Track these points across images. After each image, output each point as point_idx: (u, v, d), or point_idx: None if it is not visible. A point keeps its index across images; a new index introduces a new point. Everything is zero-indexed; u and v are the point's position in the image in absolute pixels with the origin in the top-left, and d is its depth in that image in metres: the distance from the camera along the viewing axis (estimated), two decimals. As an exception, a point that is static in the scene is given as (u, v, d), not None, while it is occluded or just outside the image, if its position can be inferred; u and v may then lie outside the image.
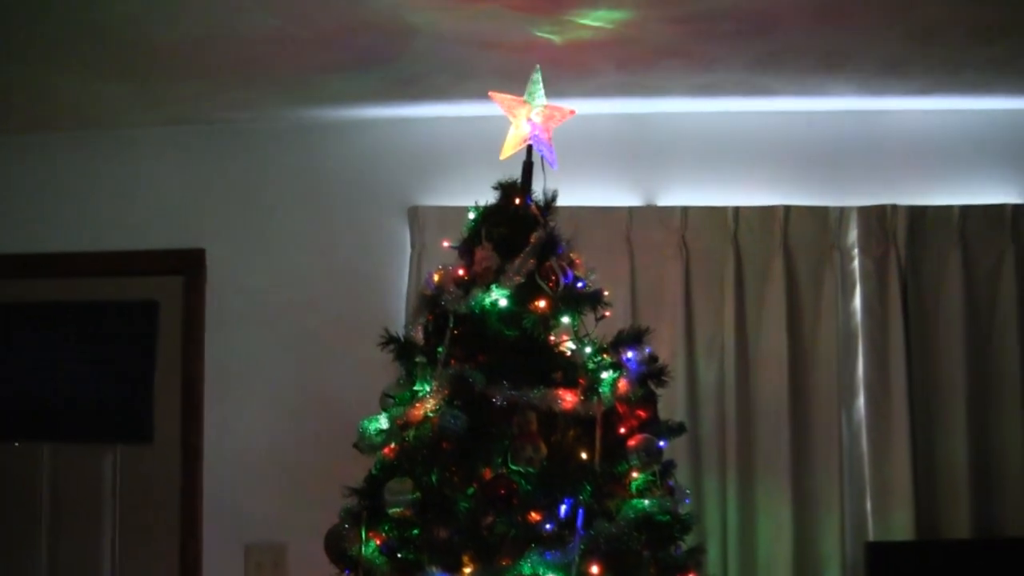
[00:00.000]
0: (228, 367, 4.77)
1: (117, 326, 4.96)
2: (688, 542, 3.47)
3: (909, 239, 4.63)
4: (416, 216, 4.69)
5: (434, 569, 3.19)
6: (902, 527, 4.50)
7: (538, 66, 3.59)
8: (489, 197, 3.79)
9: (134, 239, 4.85)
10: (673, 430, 3.62)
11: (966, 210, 4.64)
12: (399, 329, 4.14)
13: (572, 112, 3.63)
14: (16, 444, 4.92)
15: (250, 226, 4.86)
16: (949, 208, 4.64)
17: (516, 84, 3.83)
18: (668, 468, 3.49)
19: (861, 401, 4.64)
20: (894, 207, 4.63)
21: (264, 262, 4.83)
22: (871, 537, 4.53)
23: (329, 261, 4.82)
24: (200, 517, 4.72)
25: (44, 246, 4.87)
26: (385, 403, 3.57)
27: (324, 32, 3.77)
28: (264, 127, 4.85)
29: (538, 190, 3.60)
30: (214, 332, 4.79)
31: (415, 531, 3.29)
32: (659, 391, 3.59)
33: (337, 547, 3.40)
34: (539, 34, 3.78)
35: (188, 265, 4.82)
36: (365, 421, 3.52)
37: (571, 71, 4.10)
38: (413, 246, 4.69)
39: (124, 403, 4.91)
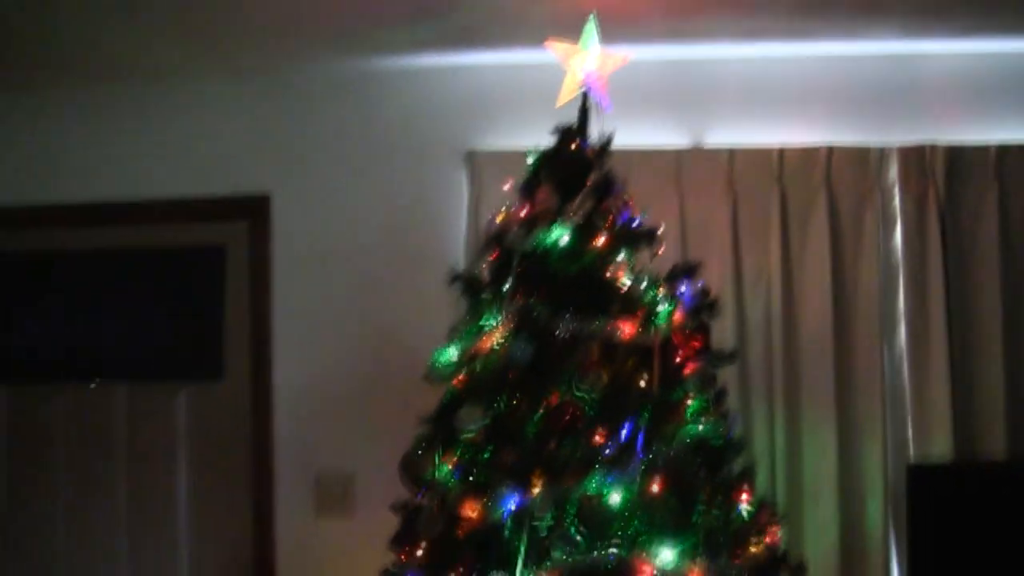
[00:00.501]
0: (294, 307, 4.89)
1: (186, 271, 5.09)
2: (739, 464, 3.62)
3: (947, 177, 4.68)
4: (473, 160, 4.77)
5: (505, 489, 3.32)
6: (941, 450, 4.59)
7: (592, 14, 3.70)
8: (544, 141, 3.90)
9: (200, 187, 4.95)
10: (725, 359, 3.76)
11: (1003, 149, 4.67)
12: (459, 268, 4.32)
13: (626, 59, 3.73)
14: (93, 384, 5.05)
15: (312, 173, 4.94)
16: (986, 147, 4.67)
17: (567, 32, 3.92)
18: (720, 395, 3.65)
19: (902, 332, 4.72)
20: (933, 147, 4.67)
21: (326, 207, 4.93)
22: (912, 460, 4.62)
23: (389, 204, 4.90)
24: (271, 449, 4.87)
25: (115, 195, 4.98)
26: (454, 337, 3.71)
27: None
28: (323, 78, 4.93)
29: (593, 134, 3.72)
30: (280, 274, 4.91)
31: (486, 454, 3.43)
32: (711, 322, 3.71)
33: (412, 471, 3.56)
34: (588, -20, 3.90)
35: (253, 211, 4.92)
36: (435, 353, 3.66)
37: (621, 18, 4.08)
38: (471, 189, 4.78)
39: (195, 343, 5.06)
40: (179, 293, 5.13)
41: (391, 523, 3.98)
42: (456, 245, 4.81)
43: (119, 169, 5.02)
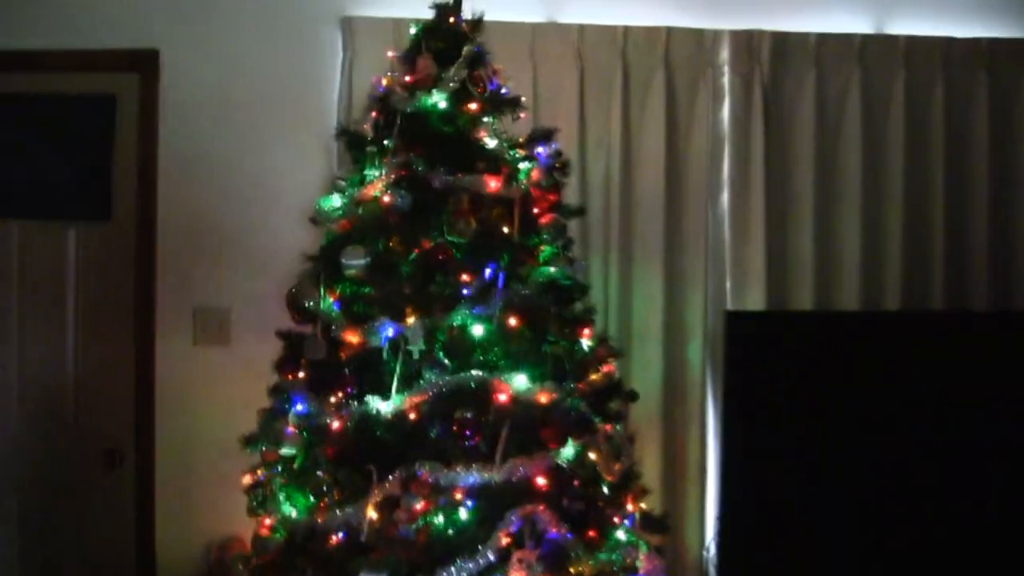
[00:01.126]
0: (180, 153, 4.99)
1: (79, 118, 5.11)
2: (582, 305, 3.99)
3: (772, 60, 5.00)
4: (349, 25, 4.91)
5: (382, 320, 3.65)
6: (756, 302, 4.98)
7: None
8: (416, 11, 4.18)
9: (94, 40, 4.97)
10: (574, 212, 4.13)
11: (821, 37, 5.02)
12: (331, 122, 4.76)
13: None
14: None
15: (199, 30, 5.01)
16: (807, 35, 5.01)
17: None
18: (568, 243, 3.99)
19: (725, 196, 5.08)
20: (760, 32, 4.99)
21: (212, 62, 5.02)
22: (729, 308, 5.00)
23: (271, 62, 5.02)
24: (153, 284, 5.01)
25: (12, 44, 4.96)
26: (338, 185, 4.01)
27: None
28: None
29: (466, 10, 4.01)
30: (167, 123, 4.99)
31: (366, 289, 3.75)
32: (563, 181, 4.09)
33: (298, 303, 3.85)
34: None
35: (143, 63, 4.97)
36: (321, 199, 3.96)
37: None
38: (345, 51, 4.94)
39: (85, 185, 5.11)
40: (71, 138, 5.14)
41: (263, 352, 4.31)
42: (330, 103, 5.00)
43: (17, 19, 5.01)
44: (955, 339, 4.80)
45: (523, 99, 4.05)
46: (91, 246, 5.12)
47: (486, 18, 4.09)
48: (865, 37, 5.09)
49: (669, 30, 5.00)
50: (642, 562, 3.79)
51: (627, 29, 4.99)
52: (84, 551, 5.10)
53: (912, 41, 5.09)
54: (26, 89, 5.10)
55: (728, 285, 5.10)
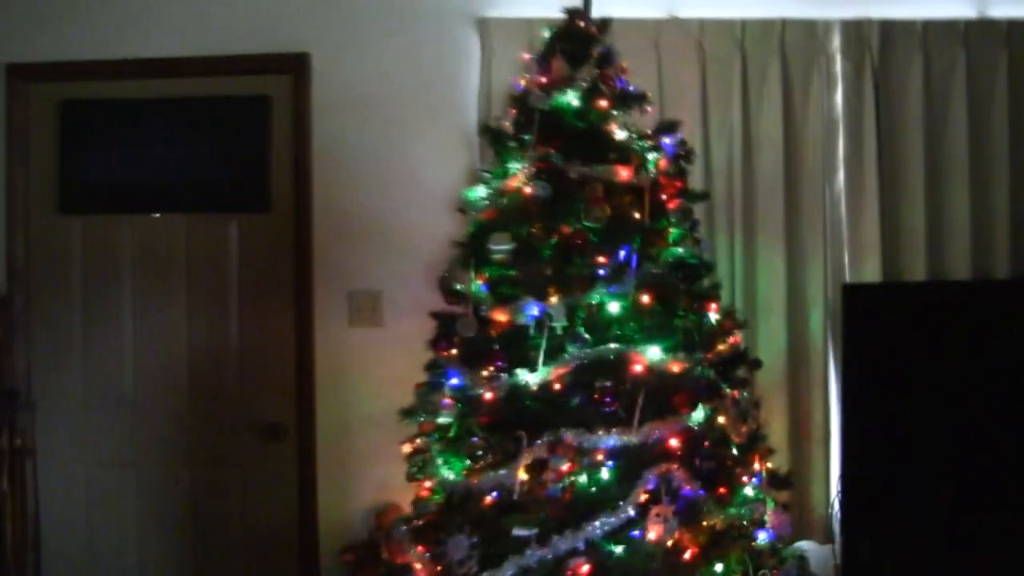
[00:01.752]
0: (331, 148, 5.30)
1: (238, 117, 5.41)
2: (709, 281, 4.19)
3: (881, 47, 5.15)
4: (485, 26, 5.16)
5: (528, 300, 3.85)
6: (872, 273, 5.14)
7: None
8: (544, 11, 4.51)
9: (250, 45, 5.30)
10: (698, 196, 4.35)
11: (927, 24, 5.15)
12: (470, 118, 5.10)
13: None
14: (158, 215, 5.44)
15: (347, 33, 5.30)
16: (913, 22, 5.15)
17: None
18: (694, 225, 4.21)
19: (841, 175, 5.24)
20: (869, 21, 5.15)
21: (359, 63, 5.30)
22: (847, 280, 5.17)
23: (413, 62, 5.30)
24: (310, 270, 5.31)
25: (172, 50, 5.32)
26: (482, 178, 4.26)
27: None
28: None
29: (595, 13, 4.21)
30: (318, 121, 5.30)
31: (512, 272, 3.95)
32: (687, 168, 4.27)
33: (449, 285, 4.09)
34: None
35: (295, 65, 5.29)
36: (467, 190, 4.23)
37: None
38: (483, 50, 5.18)
39: (246, 180, 5.41)
40: (232, 137, 5.42)
41: (413, 331, 4.66)
42: (468, 99, 5.25)
43: (175, 28, 5.34)
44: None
45: (649, 94, 4.27)
46: (252, 236, 5.45)
47: (611, 15, 4.28)
48: (968, 22, 5.19)
49: (783, 22, 5.18)
50: (769, 517, 4.05)
51: (744, 22, 5.18)
52: (251, 519, 5.46)
53: (1013, 24, 5.18)
54: (190, 92, 5.44)
55: (846, 259, 5.25)
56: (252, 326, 5.45)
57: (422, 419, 4.20)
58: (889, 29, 5.19)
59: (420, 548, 4.01)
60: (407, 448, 4.30)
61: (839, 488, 4.99)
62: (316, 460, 5.36)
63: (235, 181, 5.48)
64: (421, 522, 4.14)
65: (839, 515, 4.97)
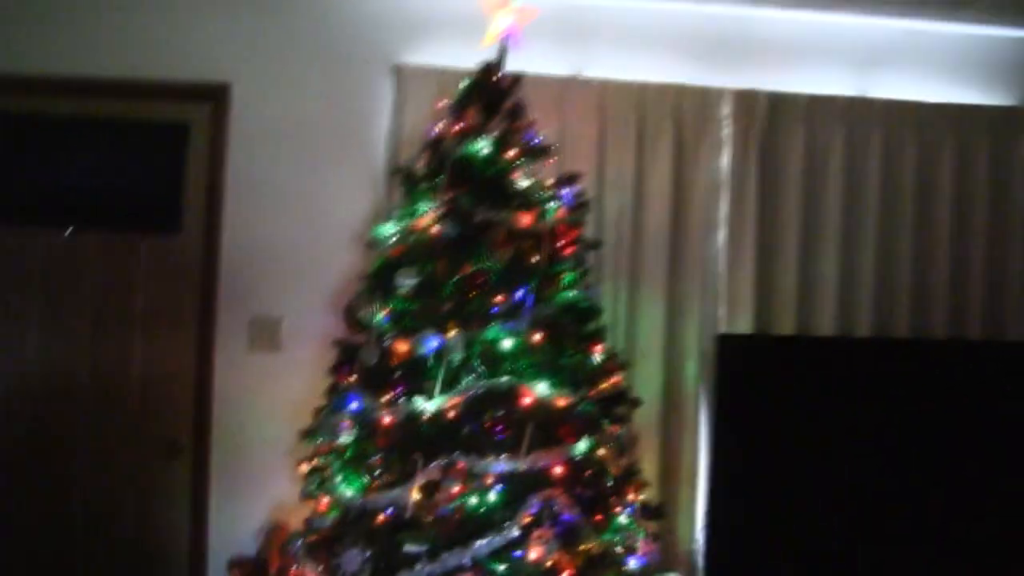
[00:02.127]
0: (245, 178, 5.37)
1: (158, 141, 5.47)
2: (595, 324, 4.41)
3: (768, 116, 5.44)
4: (400, 72, 5.32)
5: (428, 332, 4.08)
6: (745, 325, 5.38)
7: None
8: (461, 59, 4.74)
9: (173, 72, 5.37)
10: (592, 245, 4.59)
11: (811, 98, 5.47)
12: (380, 158, 5.28)
13: (535, 12, 4.46)
14: (68, 231, 5.42)
15: (267, 68, 5.41)
16: (799, 95, 5.46)
17: None
18: (586, 272, 4.44)
19: (722, 232, 5.47)
20: (758, 91, 5.43)
21: (278, 98, 5.40)
22: (721, 331, 5.40)
23: (330, 102, 5.42)
24: (215, 293, 5.38)
25: (97, 71, 5.31)
26: (392, 216, 4.46)
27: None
28: None
29: (508, 69, 4.44)
30: (235, 150, 5.37)
31: (414, 306, 4.17)
32: (583, 218, 4.46)
33: (353, 316, 4.32)
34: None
35: (215, 95, 5.37)
36: (376, 227, 4.44)
37: None
38: (397, 95, 5.34)
39: (160, 202, 5.46)
40: (149, 160, 5.50)
41: (311, 358, 5.02)
42: (379, 139, 5.43)
43: (102, 50, 5.36)
44: (917, 362, 5.29)
45: (553, 147, 4.54)
46: (161, 257, 5.50)
47: (521, 72, 4.49)
48: (849, 99, 5.52)
49: (680, 87, 5.42)
50: (641, 545, 4.32)
51: (643, 85, 5.42)
52: (143, 532, 5.53)
53: (889, 104, 5.54)
54: (111, 114, 5.52)
55: (721, 310, 5.50)
56: (155, 344, 5.49)
57: (320, 440, 4.41)
58: (776, 101, 5.47)
59: (316, 562, 4.23)
60: (305, 467, 4.50)
61: (704, 525, 5.27)
62: (209, 478, 5.45)
63: (149, 203, 5.56)
64: (316, 537, 4.34)
65: (702, 550, 5.26)
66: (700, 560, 5.28)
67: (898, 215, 5.55)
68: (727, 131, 5.50)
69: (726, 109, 5.49)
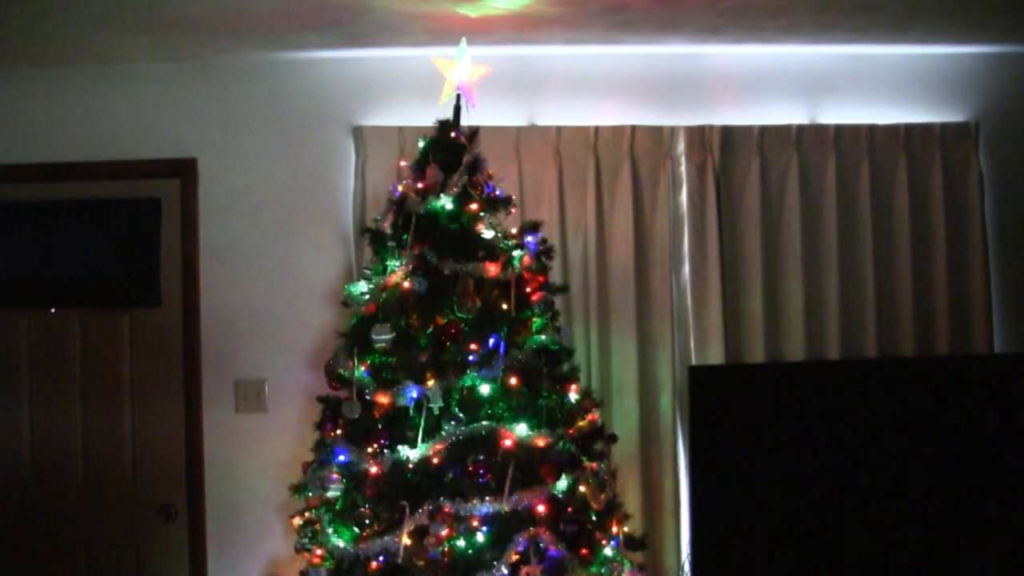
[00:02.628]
0: (218, 247, 5.53)
1: (129, 218, 5.63)
2: (569, 365, 4.50)
3: (722, 150, 5.53)
4: (360, 134, 5.45)
5: (407, 383, 4.19)
6: (716, 356, 5.47)
7: (464, 38, 4.58)
8: (416, 118, 4.97)
9: (140, 151, 5.54)
10: (558, 289, 4.64)
11: (763, 129, 5.56)
12: (347, 218, 5.37)
13: (489, 69, 4.60)
14: (52, 311, 5.63)
15: (231, 140, 5.57)
16: (751, 127, 5.55)
17: (437, 38, 5.01)
18: (555, 315, 4.50)
19: (686, 268, 5.56)
20: (711, 126, 5.52)
21: (243, 167, 5.56)
22: (692, 363, 5.47)
23: (292, 166, 5.57)
24: (199, 360, 5.52)
25: (69, 156, 5.52)
26: (364, 274, 4.57)
27: (305, 8, 4.71)
28: (240, 64, 5.55)
29: (464, 124, 4.55)
30: (205, 220, 5.53)
31: (392, 359, 4.29)
32: (548, 263, 4.57)
33: (334, 372, 4.39)
34: (460, 11, 4.76)
35: (183, 170, 5.54)
36: (349, 286, 4.53)
37: (479, 31, 4.97)
38: (357, 156, 5.48)
39: (138, 276, 5.59)
40: (123, 237, 5.63)
41: (295, 416, 5.20)
42: (345, 200, 5.56)
43: (73, 135, 5.57)
44: (887, 382, 5.40)
45: (513, 197, 4.63)
46: (143, 329, 5.69)
47: (477, 122, 4.62)
48: (801, 127, 5.64)
49: (633, 128, 5.55)
50: None
51: (597, 128, 5.54)
52: None
53: (841, 129, 5.65)
54: (83, 195, 5.69)
55: (692, 343, 5.58)
56: (144, 413, 5.65)
57: (311, 494, 4.51)
58: (729, 134, 5.59)
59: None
60: (297, 521, 4.61)
61: (689, 552, 5.36)
62: (206, 538, 5.57)
63: (127, 278, 5.69)
64: (311, 589, 4.42)
65: (689, 576, 5.31)
66: (687, 588, 5.34)
67: (858, 236, 5.65)
68: (683, 167, 5.59)
69: (680, 146, 5.58)
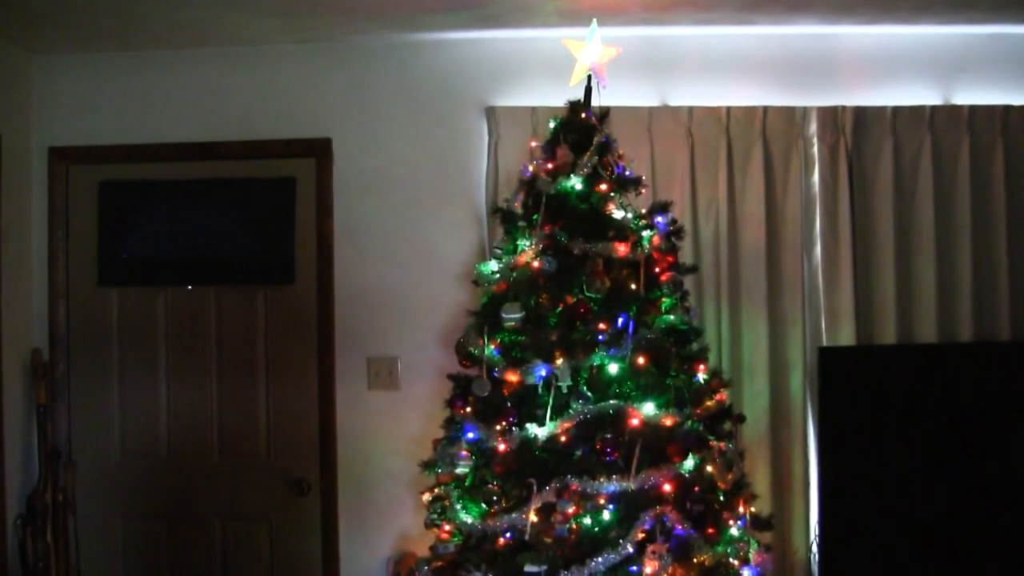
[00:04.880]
0: (351, 226, 5.64)
1: (266, 197, 5.75)
2: (697, 344, 4.44)
3: (854, 130, 5.47)
4: (492, 114, 5.50)
5: (536, 361, 4.20)
6: (847, 337, 5.43)
7: (595, 19, 4.56)
8: (545, 100, 5.06)
9: (277, 131, 5.67)
10: (688, 269, 4.62)
11: (896, 110, 5.48)
12: (479, 197, 5.42)
13: (619, 51, 4.54)
14: (190, 288, 5.79)
15: (366, 120, 5.66)
16: (884, 108, 5.48)
17: (568, 19, 5.07)
18: (685, 295, 4.49)
19: (818, 248, 5.54)
20: (843, 107, 5.47)
21: (376, 147, 5.65)
22: (823, 344, 5.44)
23: (425, 146, 5.63)
24: (332, 337, 5.64)
25: (206, 135, 5.69)
26: (494, 254, 4.63)
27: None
28: (375, 45, 5.64)
29: (595, 105, 4.52)
30: (340, 200, 5.65)
31: (522, 338, 4.31)
32: (678, 243, 4.55)
33: (465, 350, 4.41)
34: (589, -12, 4.77)
35: (318, 150, 5.65)
36: (480, 265, 4.58)
37: (610, 11, 5.02)
38: (490, 136, 5.53)
39: (272, 255, 5.75)
40: (259, 215, 5.76)
41: (426, 393, 5.26)
42: (477, 180, 5.63)
43: (210, 116, 5.72)
44: (1019, 366, 5.34)
45: (643, 178, 4.59)
46: (277, 306, 5.82)
47: (608, 103, 4.60)
48: (934, 108, 5.54)
49: (765, 109, 5.53)
50: (753, 556, 4.42)
51: (729, 109, 5.53)
52: (277, 569, 5.81)
53: (975, 110, 5.53)
54: (220, 174, 5.84)
55: (823, 324, 5.54)
56: (278, 389, 5.78)
57: (440, 470, 4.56)
58: (861, 115, 5.53)
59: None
60: (427, 496, 4.67)
61: (817, 533, 5.36)
62: (338, 512, 5.71)
63: (262, 256, 5.83)
64: (441, 563, 4.51)
65: (817, 558, 5.33)
66: (815, 569, 5.37)
67: (991, 218, 5.57)
68: (815, 149, 5.55)
69: (813, 127, 5.54)
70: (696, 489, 4.24)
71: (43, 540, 5.47)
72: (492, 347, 4.38)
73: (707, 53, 5.65)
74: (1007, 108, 5.57)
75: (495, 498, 4.33)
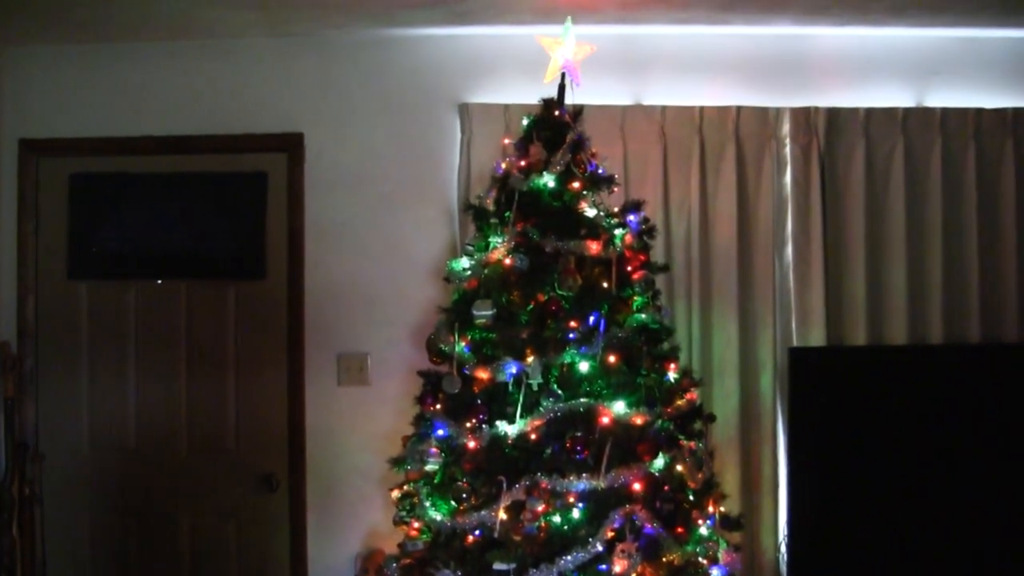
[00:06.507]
0: (323, 221, 5.59)
1: (237, 191, 5.70)
2: (668, 344, 4.47)
3: (827, 131, 5.51)
4: (466, 111, 5.48)
5: (507, 359, 4.20)
6: (817, 338, 5.45)
7: (569, 17, 4.58)
8: (521, 95, 5.00)
9: (249, 125, 5.60)
10: (660, 268, 4.65)
11: (869, 111, 5.52)
12: (452, 194, 5.37)
13: (594, 49, 4.56)
14: (160, 282, 5.73)
15: (338, 116, 5.61)
16: (857, 109, 5.52)
17: (543, 17, 5.09)
18: (656, 294, 4.51)
19: (789, 248, 5.55)
20: (816, 108, 5.50)
21: (348, 143, 5.60)
22: (793, 344, 5.47)
23: (398, 143, 5.59)
24: (302, 333, 5.60)
25: (178, 129, 5.60)
26: (466, 251, 4.60)
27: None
28: (348, 40, 5.59)
29: (568, 103, 4.53)
30: (311, 195, 5.59)
31: (493, 335, 4.29)
32: (650, 242, 4.56)
33: (435, 347, 4.42)
34: (564, -14, 4.73)
35: (290, 145, 5.59)
36: (451, 262, 4.57)
37: (584, 9, 4.98)
38: (462, 133, 5.50)
39: (243, 249, 5.70)
40: (231, 209, 5.71)
41: (396, 390, 5.21)
42: (451, 176, 5.59)
43: (182, 109, 5.64)
44: (990, 367, 5.38)
45: (616, 176, 4.61)
46: (248, 301, 5.78)
47: (582, 101, 4.61)
48: (907, 110, 5.58)
49: (738, 109, 5.54)
50: (722, 556, 4.41)
51: (702, 108, 5.54)
52: (245, 564, 5.78)
53: (947, 112, 5.57)
54: (191, 168, 5.79)
55: (793, 325, 5.56)
56: (247, 384, 5.74)
57: (410, 467, 4.55)
58: (834, 116, 5.56)
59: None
60: (396, 493, 4.66)
61: (786, 533, 5.39)
62: (306, 508, 5.67)
63: (233, 250, 5.80)
64: (410, 560, 4.51)
65: (786, 558, 5.37)
66: (784, 568, 5.39)
67: (963, 220, 5.60)
68: (788, 149, 5.57)
69: (786, 127, 5.56)
70: (666, 488, 4.25)
71: (9, 534, 5.40)
72: (463, 344, 4.38)
73: (681, 53, 5.64)
74: (979, 111, 5.61)
75: (464, 495, 4.31)
